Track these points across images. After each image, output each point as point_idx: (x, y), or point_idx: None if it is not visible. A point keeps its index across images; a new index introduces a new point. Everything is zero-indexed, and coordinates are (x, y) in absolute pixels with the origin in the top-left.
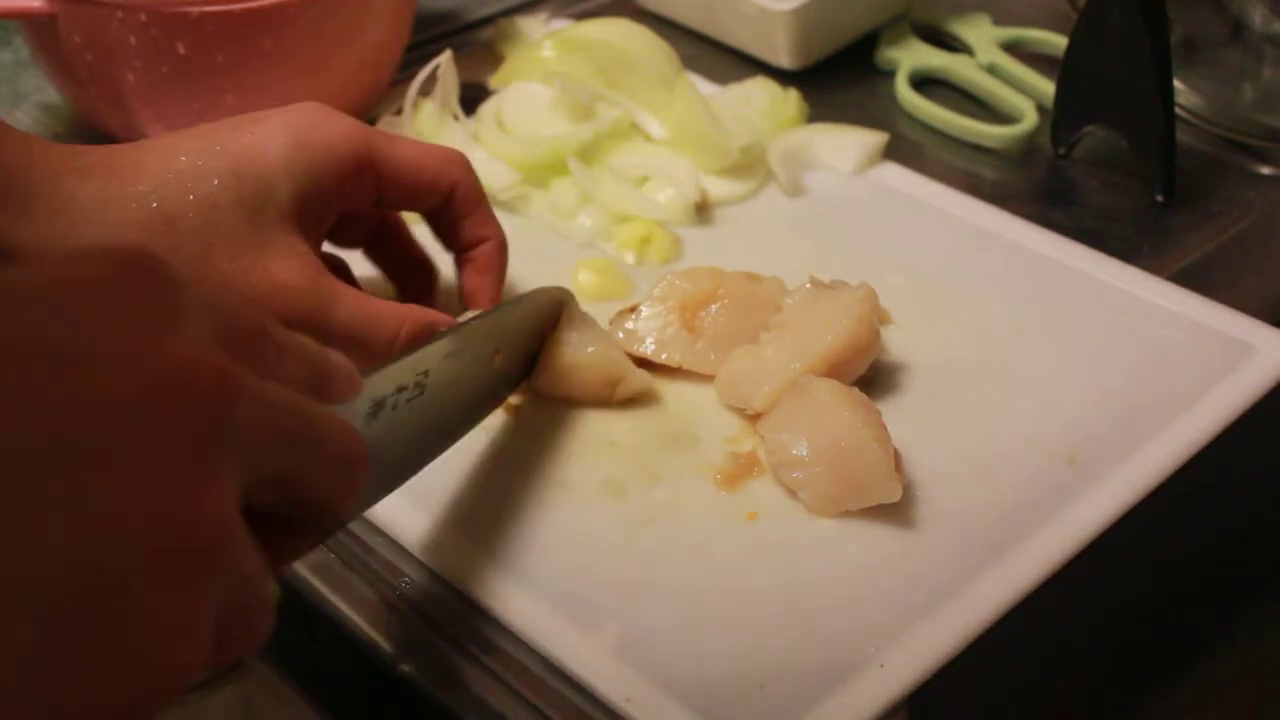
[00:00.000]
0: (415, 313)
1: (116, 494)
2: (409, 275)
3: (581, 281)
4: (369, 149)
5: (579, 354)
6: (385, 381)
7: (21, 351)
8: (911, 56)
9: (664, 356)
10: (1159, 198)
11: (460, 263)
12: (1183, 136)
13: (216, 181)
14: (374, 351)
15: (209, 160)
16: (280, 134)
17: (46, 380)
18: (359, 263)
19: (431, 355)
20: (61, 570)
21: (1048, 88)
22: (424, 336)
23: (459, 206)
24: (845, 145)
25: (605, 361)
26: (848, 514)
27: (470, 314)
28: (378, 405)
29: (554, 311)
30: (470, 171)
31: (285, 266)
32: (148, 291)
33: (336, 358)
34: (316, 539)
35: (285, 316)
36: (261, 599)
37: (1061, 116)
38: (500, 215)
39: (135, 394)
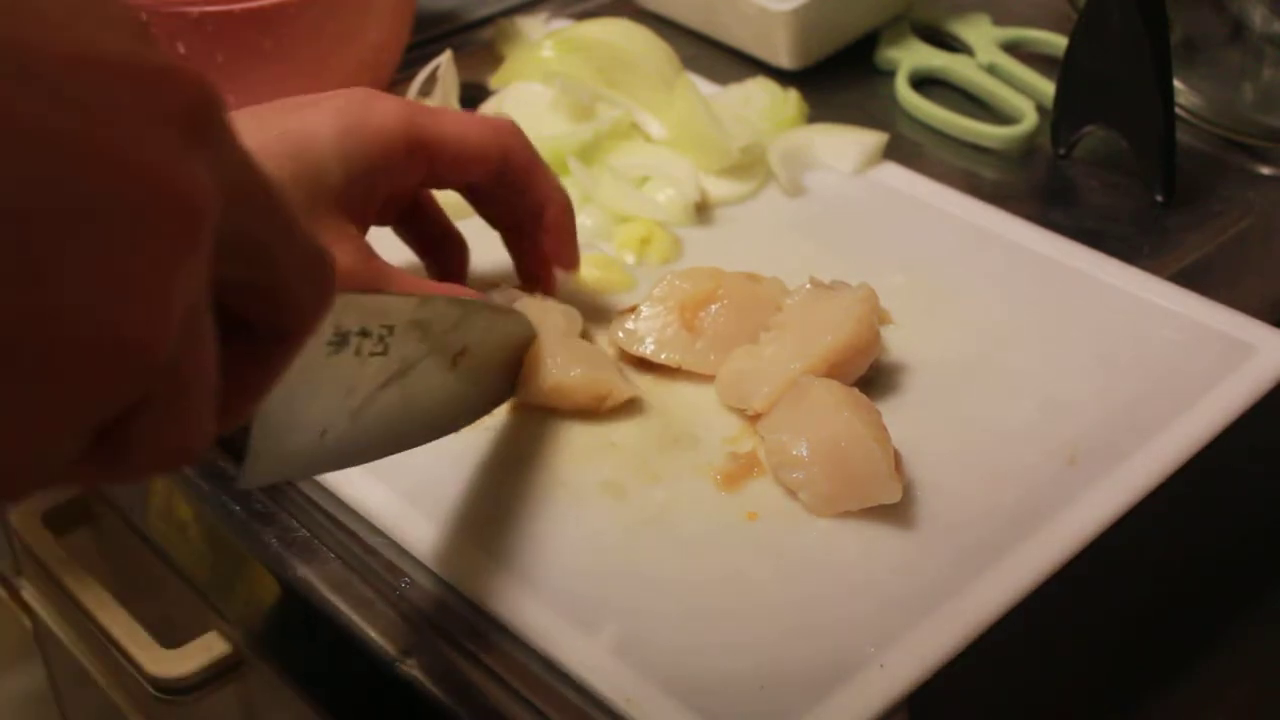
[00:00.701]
0: (462, 295)
1: (104, 140)
2: (440, 251)
3: (583, 275)
4: (417, 128)
5: (564, 376)
6: (351, 311)
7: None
8: (911, 56)
9: (664, 357)
10: (1159, 198)
11: (528, 232)
12: (1183, 136)
13: (275, 165)
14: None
15: (269, 143)
16: (332, 119)
17: (38, 23)
18: (390, 245)
19: (398, 308)
20: (28, 199)
21: (1048, 88)
22: None
23: (514, 174)
24: (845, 145)
25: (591, 382)
26: (848, 514)
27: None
28: (341, 338)
29: (521, 343)
30: (521, 136)
31: (338, 251)
32: (136, 14)
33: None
34: (282, 365)
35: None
36: (198, 399)
37: (1061, 116)
38: None
39: (121, 57)
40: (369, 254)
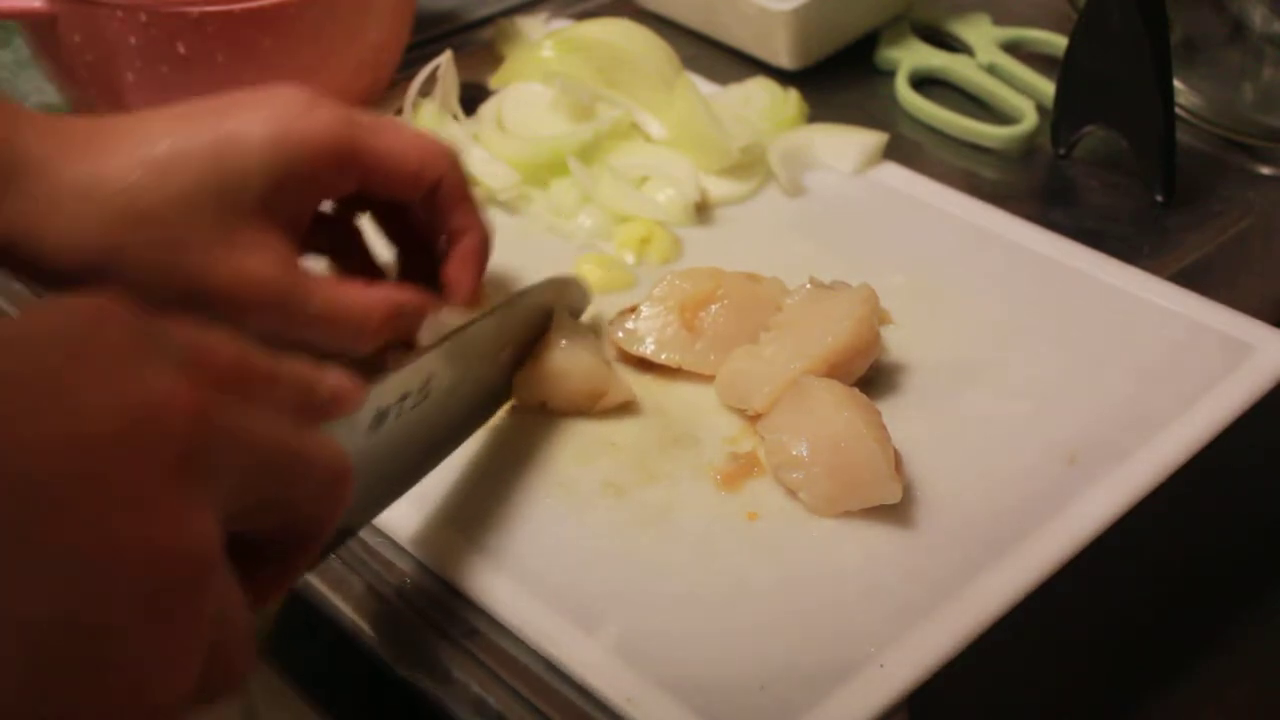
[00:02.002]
0: (387, 297)
1: (94, 530)
2: (416, 253)
3: (584, 274)
4: (351, 142)
5: (567, 361)
6: (388, 391)
7: None
8: (911, 56)
9: (664, 357)
10: (1159, 198)
11: (442, 255)
12: (1183, 136)
13: (194, 173)
14: (348, 337)
15: (189, 149)
16: (261, 125)
17: (19, 418)
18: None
19: (436, 360)
20: (46, 609)
21: (1048, 88)
22: (396, 320)
23: (443, 200)
24: (845, 145)
25: (591, 374)
26: (848, 514)
27: (469, 315)
28: (381, 415)
29: (551, 303)
30: (456, 164)
31: (256, 260)
32: (118, 334)
33: (333, 377)
34: (305, 564)
35: (257, 308)
36: (242, 634)
37: (1061, 116)
38: (500, 215)
39: (109, 429)
40: (289, 263)
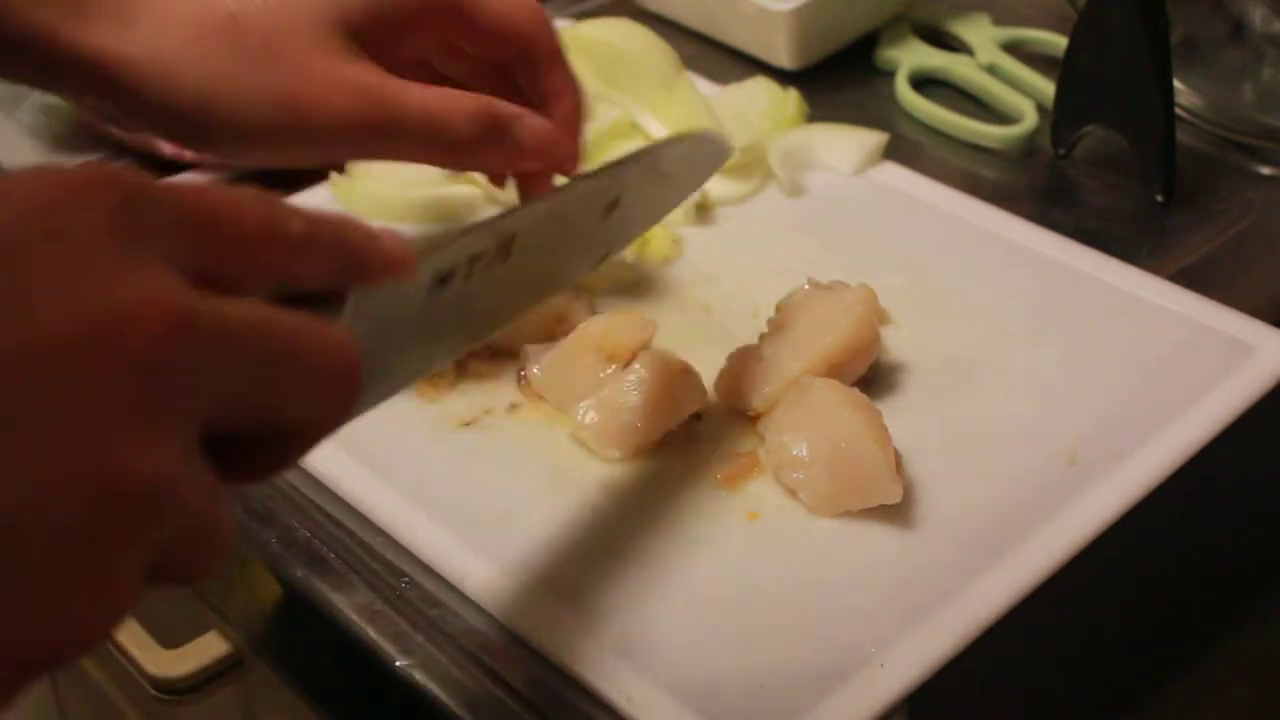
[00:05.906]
0: (487, 101)
1: (44, 444)
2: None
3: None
4: None
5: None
6: (456, 252)
7: None
8: (911, 56)
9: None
10: (1159, 198)
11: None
12: (1183, 136)
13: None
14: (445, 147)
15: None
16: None
17: None
18: None
19: (522, 219)
20: None
21: (1048, 88)
22: (495, 127)
23: (537, 61)
24: (845, 145)
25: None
26: (848, 514)
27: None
28: (445, 277)
29: (708, 158)
30: (549, 23)
31: (353, 68)
32: (97, 218)
33: (385, 238)
34: (305, 453)
35: (354, 117)
36: (210, 534)
37: (1061, 116)
38: None
39: (71, 338)
40: (384, 73)
